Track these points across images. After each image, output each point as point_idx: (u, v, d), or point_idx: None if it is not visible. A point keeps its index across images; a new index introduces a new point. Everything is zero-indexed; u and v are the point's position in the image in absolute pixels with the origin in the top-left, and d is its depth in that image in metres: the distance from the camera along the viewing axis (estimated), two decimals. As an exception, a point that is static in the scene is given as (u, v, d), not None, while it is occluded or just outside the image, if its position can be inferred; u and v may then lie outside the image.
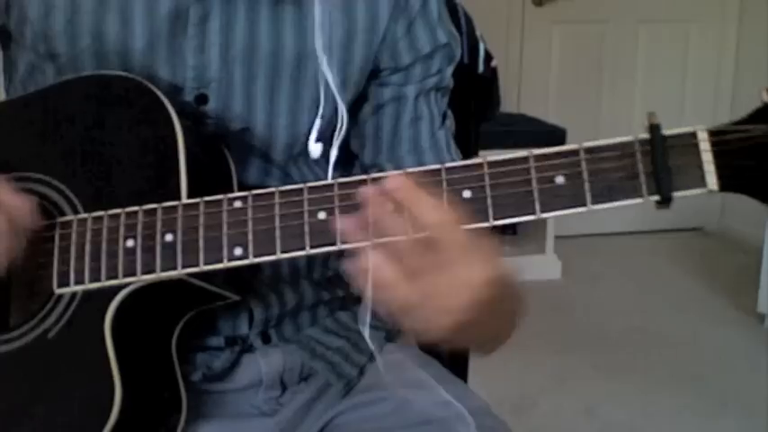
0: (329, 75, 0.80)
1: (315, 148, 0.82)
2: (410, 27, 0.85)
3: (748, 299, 2.89)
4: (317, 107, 0.82)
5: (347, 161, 0.89)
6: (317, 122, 0.81)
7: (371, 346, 0.79)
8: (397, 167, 0.85)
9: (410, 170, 0.63)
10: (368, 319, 0.72)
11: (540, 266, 3.19)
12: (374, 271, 0.60)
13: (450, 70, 0.90)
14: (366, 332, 0.73)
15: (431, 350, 1.00)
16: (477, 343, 0.74)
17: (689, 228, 3.86)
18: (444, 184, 0.62)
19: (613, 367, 2.56)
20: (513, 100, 3.55)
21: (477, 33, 1.11)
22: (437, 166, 0.63)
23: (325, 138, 0.84)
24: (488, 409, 0.88)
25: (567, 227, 3.33)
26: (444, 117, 0.90)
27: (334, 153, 0.83)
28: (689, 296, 3.14)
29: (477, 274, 0.60)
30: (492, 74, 1.14)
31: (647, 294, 3.15)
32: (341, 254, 0.91)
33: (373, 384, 0.89)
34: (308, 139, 0.83)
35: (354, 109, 0.87)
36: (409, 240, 0.60)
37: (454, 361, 1.06)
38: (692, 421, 2.28)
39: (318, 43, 0.79)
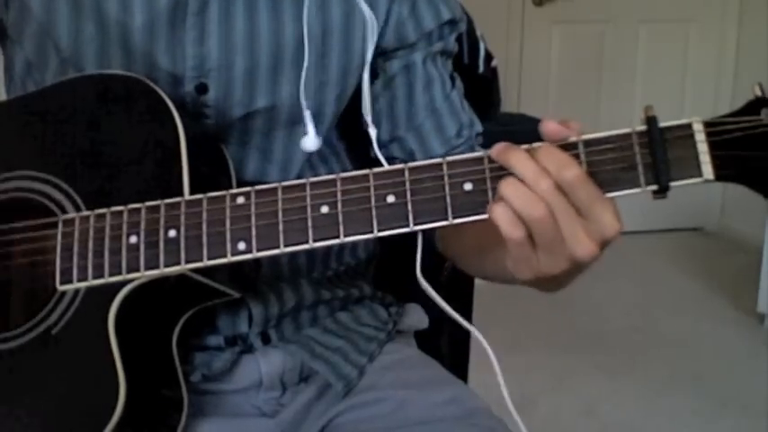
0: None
1: (310, 142, 0.81)
2: (414, 7, 0.86)
3: (748, 299, 2.89)
4: (303, 103, 0.81)
5: (356, 149, 0.90)
6: (307, 114, 0.80)
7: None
8: (418, 136, 0.87)
9: (412, 165, 0.64)
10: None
11: (541, 266, 3.18)
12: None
13: (453, 37, 0.90)
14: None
15: (431, 350, 1.00)
16: (553, 286, 0.74)
17: (689, 228, 3.86)
18: (446, 178, 0.63)
19: (613, 367, 2.57)
20: (513, 100, 3.55)
21: (478, 33, 1.11)
22: (439, 160, 0.63)
23: (323, 130, 0.84)
24: (488, 410, 0.88)
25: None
26: (453, 79, 0.91)
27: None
28: (689, 296, 3.14)
29: (610, 222, 0.61)
30: (492, 74, 1.15)
31: (647, 294, 3.15)
32: (341, 253, 0.93)
33: (373, 385, 0.89)
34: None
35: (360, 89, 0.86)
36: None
37: (454, 361, 1.07)
38: (692, 421, 2.28)
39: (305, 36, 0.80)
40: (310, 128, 0.80)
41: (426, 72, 0.87)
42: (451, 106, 0.89)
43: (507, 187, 0.61)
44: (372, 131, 0.83)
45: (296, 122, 0.83)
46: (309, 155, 0.86)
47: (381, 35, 0.84)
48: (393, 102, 0.87)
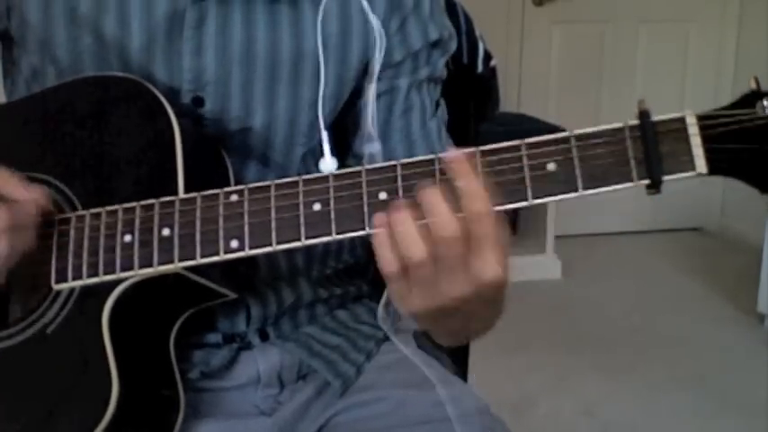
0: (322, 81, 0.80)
1: (329, 164, 0.81)
2: (403, 24, 0.85)
3: (748, 299, 2.89)
4: (321, 123, 0.81)
5: (343, 152, 0.89)
6: (325, 135, 0.81)
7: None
8: (389, 159, 0.84)
9: (404, 161, 0.63)
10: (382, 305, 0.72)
11: (541, 266, 3.19)
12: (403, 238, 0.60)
13: (442, 61, 0.89)
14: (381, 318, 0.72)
15: (430, 350, 1.00)
16: (447, 332, 0.73)
17: (689, 228, 3.86)
18: (437, 174, 0.63)
19: (613, 367, 2.56)
20: (513, 100, 3.54)
21: (477, 33, 1.11)
22: (431, 156, 0.63)
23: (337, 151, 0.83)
24: (488, 410, 0.88)
25: (567, 226, 3.33)
26: (437, 106, 0.90)
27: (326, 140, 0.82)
28: (689, 296, 3.14)
29: (491, 271, 0.60)
30: (491, 73, 1.14)
31: (647, 294, 3.15)
32: (339, 252, 0.92)
33: (371, 384, 0.89)
34: (310, 136, 0.83)
35: (348, 102, 0.86)
36: (447, 220, 0.59)
37: (454, 361, 1.06)
38: (692, 421, 2.28)
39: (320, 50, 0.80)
40: (327, 148, 0.80)
41: (408, 99, 0.86)
42: (427, 136, 0.88)
43: (398, 221, 0.60)
44: (377, 145, 0.83)
45: (294, 137, 0.84)
46: (306, 164, 0.86)
47: (372, 49, 0.83)
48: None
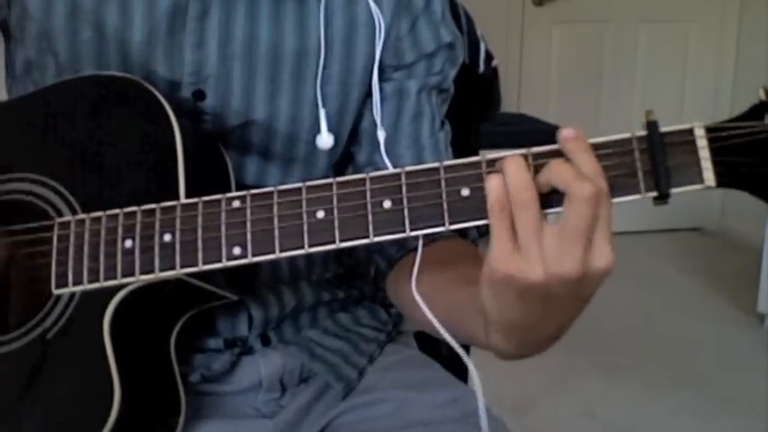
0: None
1: (326, 140, 0.81)
2: (414, 25, 0.84)
3: (748, 299, 2.89)
4: (320, 101, 0.81)
5: (343, 162, 0.89)
6: (322, 112, 0.81)
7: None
8: (395, 165, 0.83)
9: (408, 169, 0.63)
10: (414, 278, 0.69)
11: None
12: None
13: (452, 73, 0.89)
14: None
15: (430, 351, 1.00)
16: (512, 327, 0.67)
17: (689, 228, 3.86)
18: (443, 182, 0.62)
19: (613, 367, 2.56)
20: (513, 100, 3.54)
21: (478, 33, 1.11)
22: (435, 165, 0.62)
23: (336, 132, 0.83)
24: (488, 411, 0.88)
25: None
26: (443, 123, 0.89)
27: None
28: (689, 296, 3.14)
29: (605, 256, 0.59)
30: (492, 74, 1.14)
31: (647, 294, 3.15)
32: (340, 255, 0.92)
33: (373, 386, 0.89)
34: (312, 133, 0.82)
35: (361, 108, 0.86)
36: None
37: (454, 362, 1.06)
38: (692, 421, 2.28)
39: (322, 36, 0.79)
40: (323, 124, 0.80)
41: (419, 103, 0.85)
42: (436, 145, 0.87)
43: (511, 163, 0.59)
44: (381, 134, 0.82)
45: (297, 134, 0.83)
46: (310, 161, 0.85)
47: (383, 48, 0.83)
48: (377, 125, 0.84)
